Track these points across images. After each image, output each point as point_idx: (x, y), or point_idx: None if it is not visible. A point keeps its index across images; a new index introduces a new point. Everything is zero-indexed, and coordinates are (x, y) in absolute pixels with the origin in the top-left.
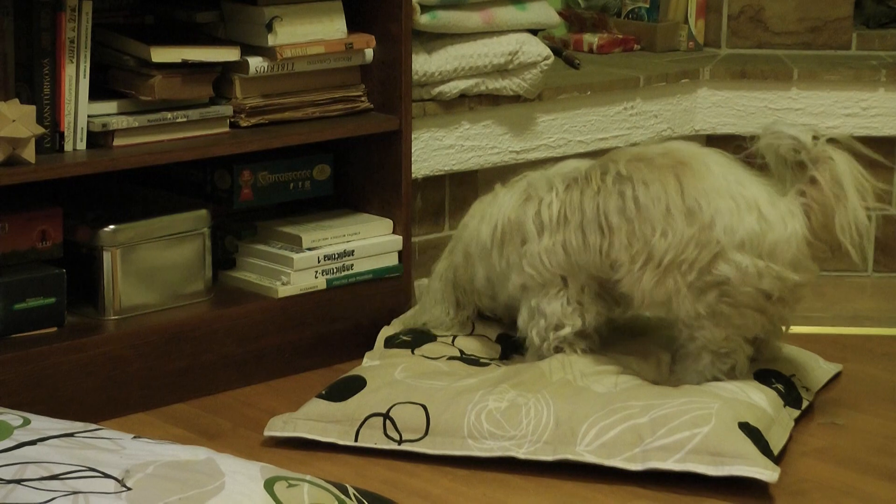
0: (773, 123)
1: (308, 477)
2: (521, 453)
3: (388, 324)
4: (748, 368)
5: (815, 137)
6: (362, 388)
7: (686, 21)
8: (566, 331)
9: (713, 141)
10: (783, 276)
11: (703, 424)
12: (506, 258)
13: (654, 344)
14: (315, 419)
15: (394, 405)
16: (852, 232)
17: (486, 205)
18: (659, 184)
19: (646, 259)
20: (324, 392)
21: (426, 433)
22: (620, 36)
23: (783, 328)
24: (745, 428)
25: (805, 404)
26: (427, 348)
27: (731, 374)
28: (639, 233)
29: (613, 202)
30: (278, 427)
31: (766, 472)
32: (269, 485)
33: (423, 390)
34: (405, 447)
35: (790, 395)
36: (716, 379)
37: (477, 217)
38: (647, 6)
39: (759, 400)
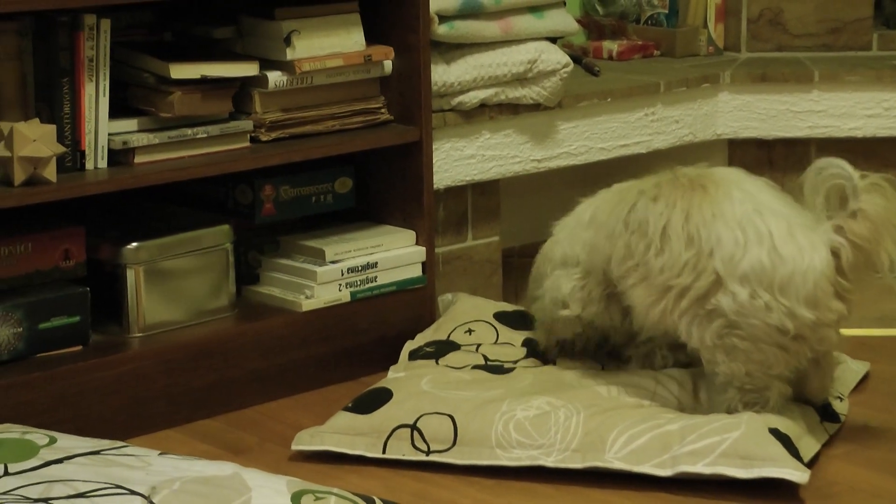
0: (827, 159)
1: (335, 490)
2: (550, 462)
3: (412, 337)
4: (782, 405)
5: (862, 176)
6: (389, 400)
7: (705, 26)
8: (567, 312)
9: (735, 145)
10: (795, 313)
11: (733, 430)
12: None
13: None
14: (342, 432)
15: (421, 416)
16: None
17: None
18: (664, 202)
19: (642, 275)
20: (350, 405)
21: (454, 443)
22: (640, 42)
23: (826, 365)
24: (776, 433)
25: (843, 418)
26: (451, 357)
27: (762, 409)
28: (634, 246)
29: (623, 210)
30: (306, 441)
31: (796, 472)
32: (296, 498)
33: (450, 401)
34: (433, 458)
35: (826, 412)
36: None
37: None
38: (666, 12)
39: (791, 415)
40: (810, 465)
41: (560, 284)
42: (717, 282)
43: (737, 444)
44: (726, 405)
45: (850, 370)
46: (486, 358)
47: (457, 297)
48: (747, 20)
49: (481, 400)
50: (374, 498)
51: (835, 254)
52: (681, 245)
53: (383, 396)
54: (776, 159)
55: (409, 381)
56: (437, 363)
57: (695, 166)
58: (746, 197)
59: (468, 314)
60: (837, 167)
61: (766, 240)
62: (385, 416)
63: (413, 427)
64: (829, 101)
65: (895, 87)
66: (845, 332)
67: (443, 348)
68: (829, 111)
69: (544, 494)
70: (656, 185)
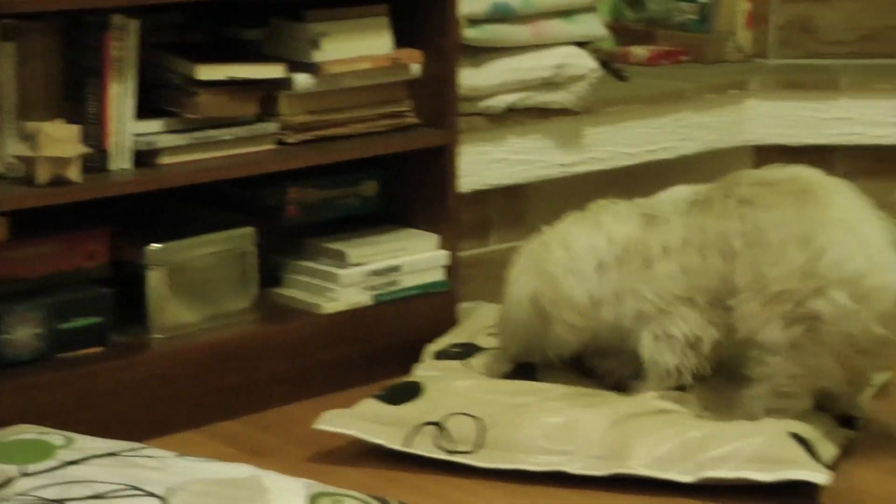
0: None
1: (353, 492)
2: (575, 469)
3: (433, 341)
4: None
5: None
6: (420, 395)
7: (735, 32)
8: (705, 344)
9: (762, 152)
10: (870, 328)
11: (755, 435)
12: (623, 279)
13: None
14: (368, 419)
15: (449, 415)
16: None
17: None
18: (780, 210)
19: (758, 288)
20: (380, 393)
21: (480, 445)
22: (668, 48)
23: (863, 384)
24: (796, 437)
25: (860, 423)
26: (478, 360)
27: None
28: (757, 259)
29: (735, 226)
30: (330, 422)
31: (817, 474)
32: (313, 501)
33: (480, 403)
34: (457, 458)
35: (844, 419)
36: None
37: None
38: (696, 18)
39: (809, 418)
40: (829, 468)
41: (671, 333)
42: (821, 287)
43: (760, 449)
44: (751, 402)
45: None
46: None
47: (477, 304)
48: (777, 27)
49: (510, 404)
50: (390, 500)
51: None
52: (795, 250)
53: (415, 390)
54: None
55: (441, 380)
56: (464, 364)
57: (775, 167)
58: (849, 203)
59: (490, 319)
60: None
61: (865, 248)
62: (414, 411)
63: (440, 425)
64: (857, 108)
65: None
66: None
67: (469, 349)
68: (857, 119)
69: (567, 500)
70: (755, 193)
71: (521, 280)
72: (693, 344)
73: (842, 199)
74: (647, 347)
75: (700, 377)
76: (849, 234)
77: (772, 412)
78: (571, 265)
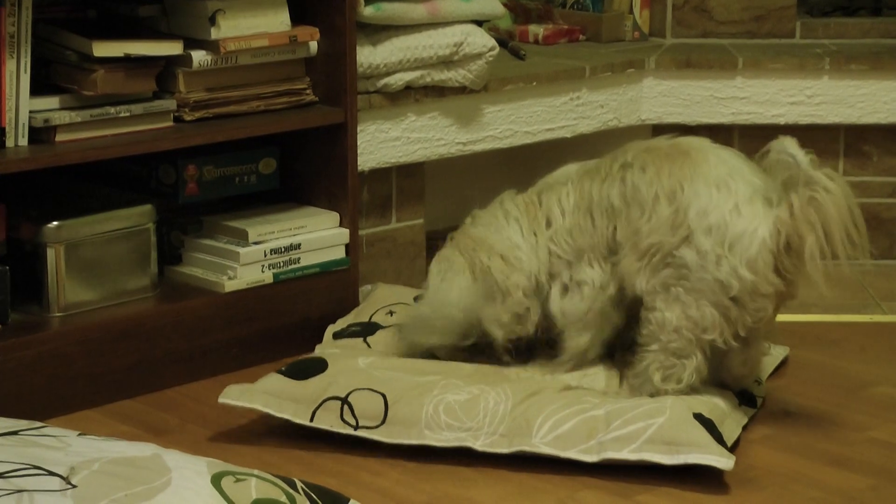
0: (782, 140)
1: (256, 471)
2: (478, 445)
3: (335, 319)
4: (694, 384)
5: (815, 164)
6: (323, 371)
7: (631, 11)
8: (612, 288)
9: (659, 130)
10: (738, 272)
11: (657, 416)
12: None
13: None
14: (272, 394)
15: (353, 391)
16: (818, 266)
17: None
18: (654, 169)
19: (634, 243)
20: (284, 369)
21: (383, 421)
22: (566, 27)
23: (754, 349)
24: (700, 418)
25: (760, 402)
26: (378, 337)
27: (676, 384)
28: (633, 216)
29: (617, 187)
30: (234, 395)
31: (721, 459)
32: (216, 479)
33: (383, 380)
34: (361, 433)
35: (744, 396)
36: (660, 390)
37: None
38: None
39: (711, 397)
40: (731, 449)
41: (580, 279)
42: (688, 237)
43: (662, 430)
44: (646, 363)
45: (770, 356)
46: None
47: (376, 286)
48: (672, 6)
49: (415, 382)
50: (296, 480)
51: (777, 229)
52: (665, 204)
53: (318, 366)
54: None
55: (345, 357)
56: (365, 342)
57: (663, 137)
58: (721, 161)
59: (388, 298)
60: (789, 156)
61: (732, 199)
62: (317, 386)
63: (344, 400)
64: (752, 87)
65: (818, 74)
66: None
67: (368, 329)
68: (753, 98)
69: (465, 477)
70: (636, 157)
71: (455, 277)
72: (601, 287)
73: (714, 158)
74: (555, 301)
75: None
76: (715, 187)
77: (668, 376)
78: (502, 239)
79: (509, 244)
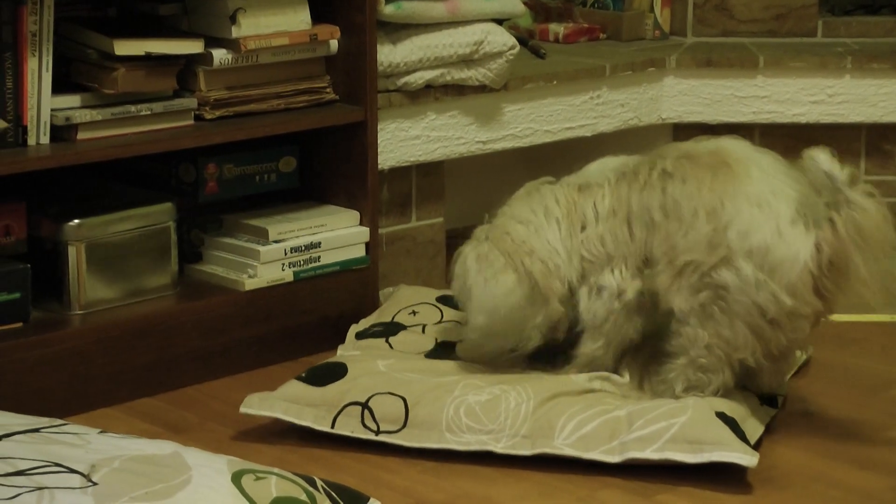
0: (816, 155)
1: (276, 470)
2: (500, 448)
3: (355, 317)
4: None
5: (853, 181)
6: (343, 376)
7: (651, 10)
8: (630, 294)
9: (679, 129)
10: (779, 298)
11: (679, 415)
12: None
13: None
14: (292, 401)
15: (373, 395)
16: (872, 286)
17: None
18: (695, 182)
19: (670, 258)
20: (303, 375)
21: (404, 425)
22: (586, 25)
23: (784, 363)
24: (723, 417)
25: (781, 402)
26: (401, 337)
27: (699, 394)
28: (671, 230)
29: (657, 198)
30: (254, 405)
31: (745, 456)
32: (236, 478)
33: (404, 382)
34: (382, 438)
35: (765, 396)
36: (681, 398)
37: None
38: None
39: (733, 397)
40: (753, 448)
41: (601, 284)
42: (727, 257)
43: (684, 429)
44: (671, 374)
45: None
46: (435, 339)
47: (398, 288)
48: (693, 5)
49: (435, 384)
50: (316, 478)
51: (818, 250)
52: (704, 220)
53: (338, 371)
54: None
55: (364, 360)
56: (387, 342)
57: (702, 140)
58: (764, 176)
59: (411, 298)
60: (824, 174)
61: (773, 221)
62: (338, 391)
63: (364, 405)
64: (773, 86)
65: (839, 73)
66: None
67: (390, 329)
68: (774, 97)
69: (487, 477)
70: (676, 166)
71: (499, 277)
72: (619, 294)
73: (757, 172)
74: (584, 300)
75: (628, 350)
76: (757, 206)
77: (692, 388)
78: (542, 241)
79: (549, 248)
